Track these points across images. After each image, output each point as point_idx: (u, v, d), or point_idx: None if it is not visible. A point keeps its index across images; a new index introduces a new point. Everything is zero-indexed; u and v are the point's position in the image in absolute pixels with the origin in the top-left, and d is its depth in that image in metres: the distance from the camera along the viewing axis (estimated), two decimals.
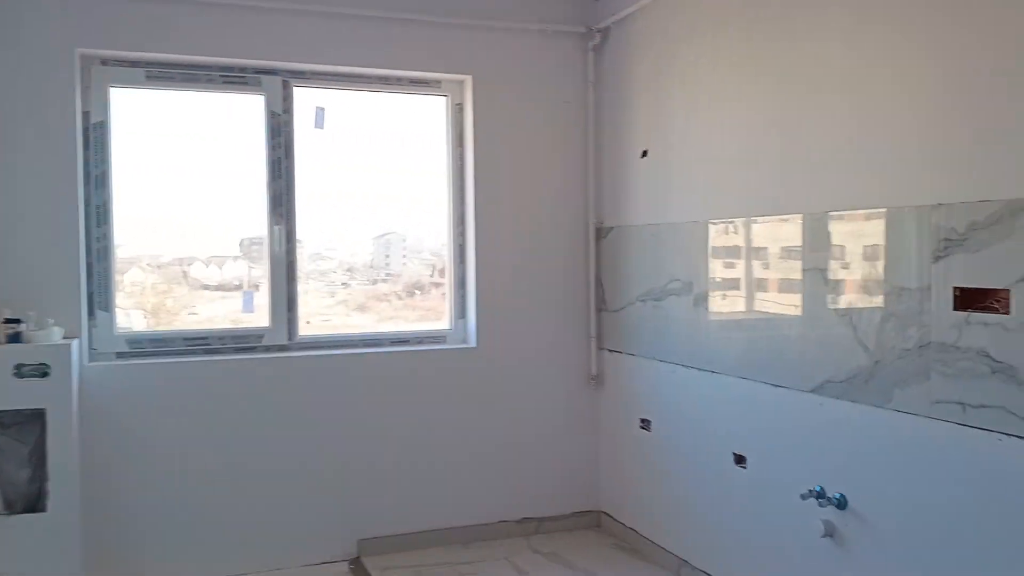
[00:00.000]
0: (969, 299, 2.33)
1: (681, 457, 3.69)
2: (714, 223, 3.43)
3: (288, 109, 3.93)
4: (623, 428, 4.14)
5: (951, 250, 2.39)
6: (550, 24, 4.20)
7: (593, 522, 4.35)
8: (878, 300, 2.64)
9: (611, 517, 4.25)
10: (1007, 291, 2.22)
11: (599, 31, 4.20)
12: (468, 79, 4.16)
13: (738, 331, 3.32)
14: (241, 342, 3.90)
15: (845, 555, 2.79)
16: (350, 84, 4.07)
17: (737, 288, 3.32)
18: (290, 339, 3.98)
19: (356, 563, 3.87)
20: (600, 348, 4.30)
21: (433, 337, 4.26)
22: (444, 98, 4.25)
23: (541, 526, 4.25)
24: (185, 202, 3.86)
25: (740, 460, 3.31)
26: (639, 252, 3.94)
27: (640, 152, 3.92)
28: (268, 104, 3.89)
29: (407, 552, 3.96)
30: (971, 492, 2.34)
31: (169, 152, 3.82)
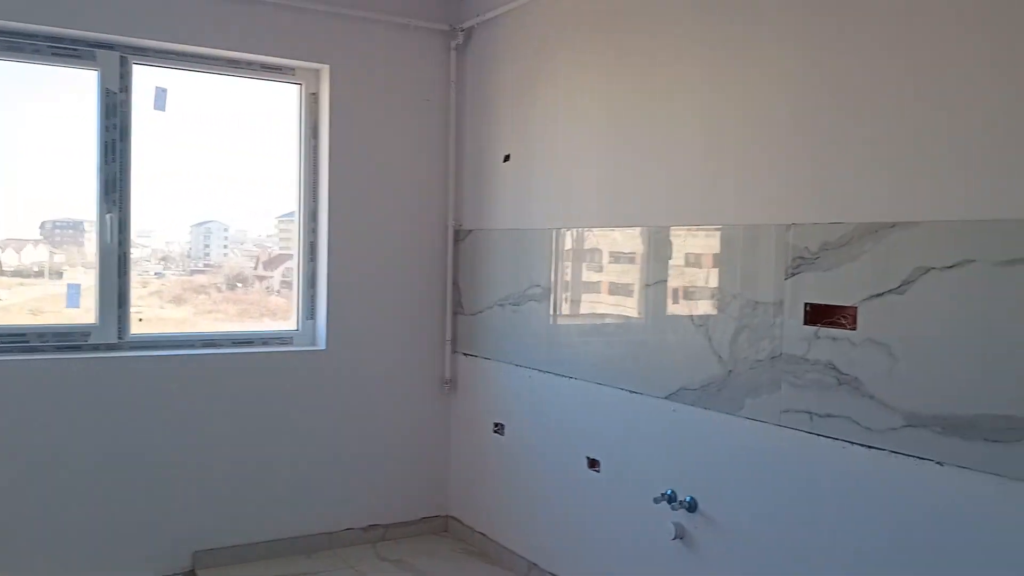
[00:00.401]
0: (819, 315, 2.47)
1: (534, 461, 3.71)
2: (576, 230, 3.46)
3: (126, 88, 3.62)
4: (476, 432, 4.11)
5: (803, 268, 2.52)
6: (412, 19, 4.10)
7: (441, 527, 4.29)
8: (734, 312, 2.74)
9: (459, 522, 4.21)
10: (854, 308, 2.37)
11: (462, 30, 4.15)
12: (325, 68, 3.99)
13: (596, 338, 3.37)
14: (65, 340, 3.56)
15: (694, 556, 2.89)
16: (196, 65, 3.80)
17: (597, 295, 3.37)
18: (120, 338, 3.67)
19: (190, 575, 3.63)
20: (455, 352, 4.26)
21: (279, 338, 4.07)
22: (298, 86, 4.06)
23: (388, 532, 4.15)
24: None
25: (593, 464, 3.36)
26: (500, 256, 3.93)
27: (503, 156, 3.91)
28: (103, 81, 3.57)
29: (246, 564, 3.76)
30: (816, 496, 2.48)
31: None
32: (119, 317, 3.66)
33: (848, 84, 2.40)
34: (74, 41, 3.51)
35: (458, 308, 4.23)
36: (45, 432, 3.41)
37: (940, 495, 2.16)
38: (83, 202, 3.62)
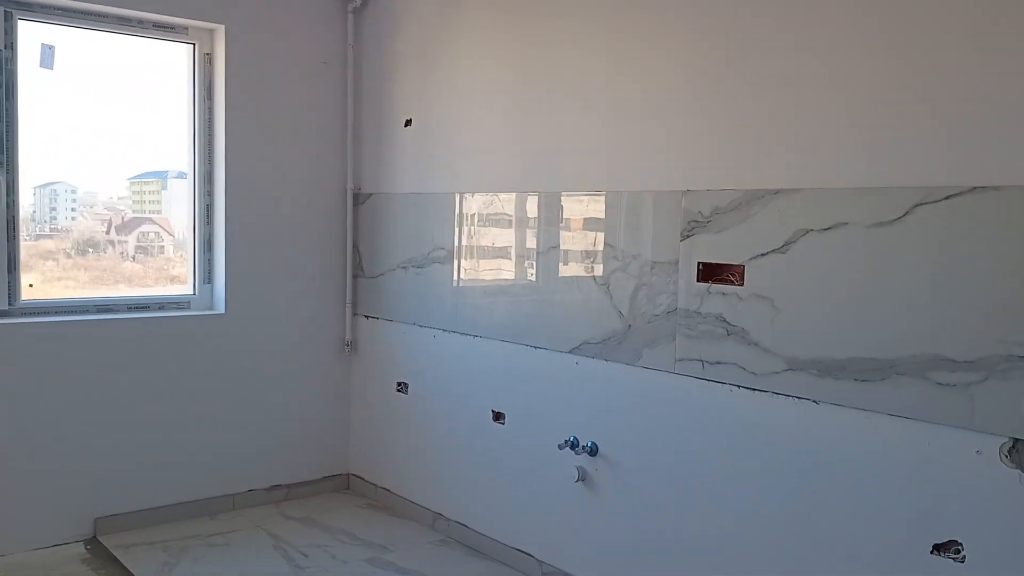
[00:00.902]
0: (710, 272, 2.73)
1: (439, 417, 3.86)
2: (481, 194, 3.61)
3: (11, 44, 3.47)
4: (378, 392, 4.23)
5: (697, 230, 2.77)
6: None
7: (343, 485, 4.40)
8: (634, 272, 2.98)
9: (361, 479, 4.33)
10: (742, 266, 2.64)
11: None
12: (220, 28, 3.94)
13: (501, 297, 3.54)
14: None
15: (596, 496, 3.14)
16: (84, 21, 3.68)
17: (501, 258, 3.54)
18: (11, 304, 3.55)
19: (93, 542, 3.60)
20: (356, 314, 4.34)
21: (175, 303, 4.03)
22: (191, 46, 4.00)
23: (291, 492, 4.22)
24: None
25: (499, 417, 3.55)
26: (401, 220, 4.02)
27: (404, 121, 3.99)
28: None
29: (150, 528, 3.75)
30: (706, 436, 2.76)
31: None
32: (9, 283, 3.54)
33: (742, 61, 2.65)
34: None
35: (358, 271, 4.31)
36: None
37: (817, 430, 2.47)
38: None
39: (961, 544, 2.19)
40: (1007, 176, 2.08)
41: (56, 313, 3.66)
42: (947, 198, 2.18)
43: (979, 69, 2.13)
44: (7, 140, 3.48)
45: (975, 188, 2.13)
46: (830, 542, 2.45)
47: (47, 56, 3.62)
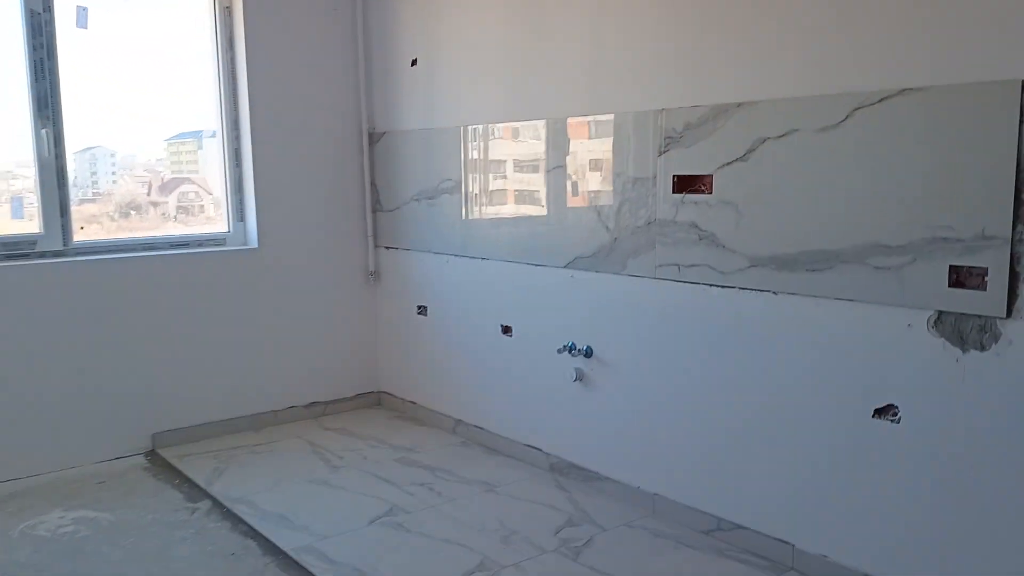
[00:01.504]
0: (684, 184, 3.01)
1: (455, 335, 4.23)
2: (482, 126, 3.90)
3: (49, 7, 3.81)
4: (401, 316, 4.60)
5: (672, 146, 3.05)
6: None
7: (375, 401, 4.81)
8: (618, 189, 3.27)
9: (391, 395, 4.73)
10: (711, 176, 2.92)
11: None
12: None
13: (504, 221, 3.85)
14: (13, 249, 3.83)
15: (592, 393, 3.49)
16: None
17: (504, 183, 3.84)
18: (65, 245, 3.96)
19: (152, 455, 4.05)
20: (377, 246, 4.69)
21: (213, 240, 4.41)
22: (211, 1, 4.30)
23: (327, 408, 4.64)
24: None
25: (507, 330, 3.90)
26: (412, 155, 4.34)
27: (410, 61, 4.28)
28: (27, 2, 3.75)
29: (201, 441, 4.19)
30: (685, 331, 3.08)
31: None
32: (62, 226, 3.94)
33: None
34: None
35: (377, 206, 4.65)
36: (3, 333, 3.72)
37: (776, 317, 2.77)
38: (17, 118, 3.83)
39: (897, 407, 2.49)
40: (930, 77, 2.33)
41: (106, 252, 4.06)
42: (880, 101, 2.44)
43: None
44: (51, 97, 3.84)
45: (904, 90, 2.38)
46: (789, 410, 2.77)
47: (82, 17, 3.96)
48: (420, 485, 3.59)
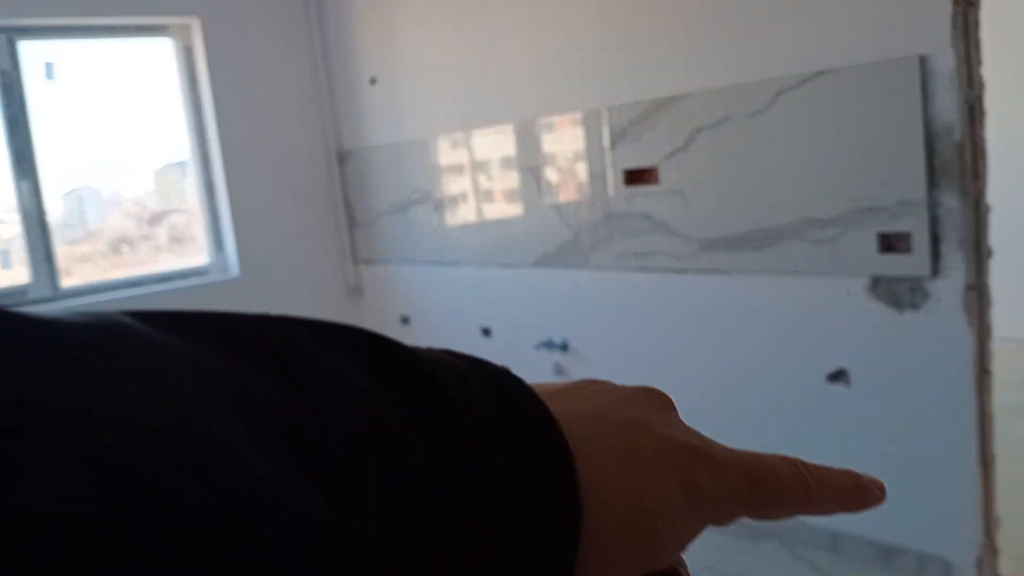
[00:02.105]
0: (634, 177, 3.15)
1: (437, 340, 4.36)
2: (442, 137, 4.04)
3: (16, 65, 3.96)
4: (386, 328, 4.73)
5: (620, 141, 3.19)
6: None
7: None
8: (575, 186, 3.41)
9: None
10: (657, 168, 3.06)
11: None
12: (195, 21, 4.38)
13: (474, 227, 3.99)
14: (6, 299, 3.98)
15: None
16: (77, 34, 4.14)
17: (468, 191, 3.98)
18: (54, 291, 4.10)
19: None
20: (356, 262, 4.84)
21: (195, 272, 4.55)
22: (173, 42, 4.44)
23: None
24: None
25: (487, 332, 4.04)
26: (381, 170, 4.48)
27: (369, 80, 4.42)
28: None
29: None
30: (647, 318, 3.22)
31: None
32: (50, 273, 4.08)
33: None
34: None
35: (352, 222, 4.79)
36: None
37: (731, 296, 2.91)
38: None
39: (847, 371, 2.63)
40: (843, 58, 2.47)
41: (93, 293, 4.20)
42: (801, 84, 2.58)
43: None
44: (27, 150, 3.99)
45: (820, 72, 2.52)
46: (749, 384, 2.91)
47: (49, 70, 4.10)
48: None
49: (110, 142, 4.33)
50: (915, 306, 2.44)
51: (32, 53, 4.02)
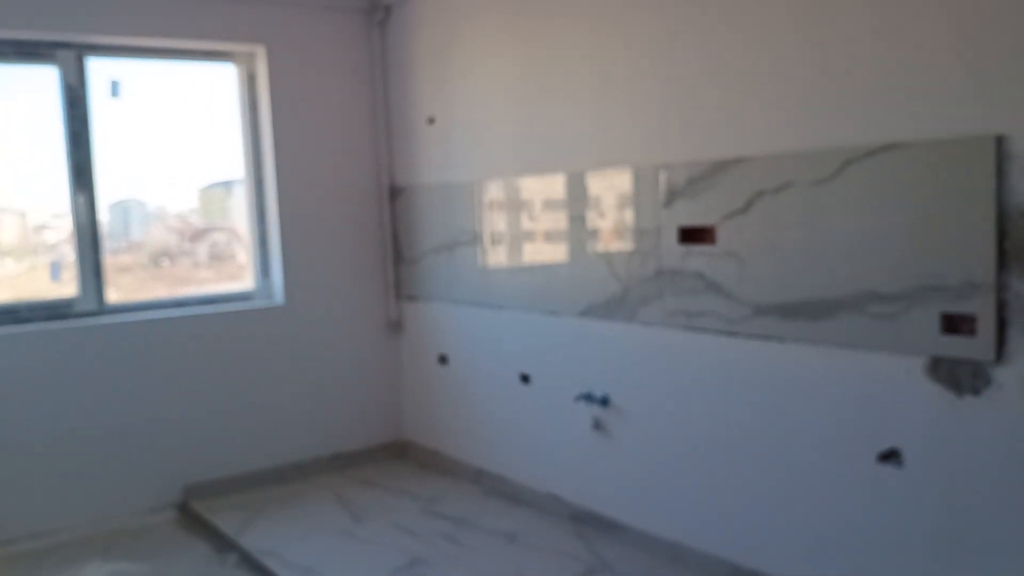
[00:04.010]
0: (689, 235, 3.11)
1: (476, 384, 4.33)
2: (494, 181, 4.04)
3: (84, 81, 4.04)
4: (423, 365, 4.71)
5: (676, 199, 3.15)
6: (337, 0, 4.58)
7: (399, 451, 4.91)
8: (627, 240, 3.37)
9: (415, 444, 4.83)
10: (714, 227, 3.01)
11: (383, 7, 4.64)
12: (261, 50, 4.45)
13: (519, 271, 3.97)
14: (52, 311, 4.02)
15: (609, 441, 3.56)
16: (144, 55, 4.23)
17: (518, 235, 3.97)
18: (100, 306, 4.14)
19: (184, 507, 4.17)
20: (399, 297, 4.83)
21: (240, 297, 4.57)
22: (237, 68, 4.52)
23: (353, 459, 4.74)
24: None
25: (525, 379, 3.99)
26: (431, 209, 4.49)
27: (427, 119, 4.44)
28: (64, 76, 3.98)
29: (231, 494, 4.31)
30: (696, 379, 3.15)
31: None
32: (97, 287, 4.12)
33: (702, 52, 3.02)
34: (36, 44, 3.91)
35: (399, 258, 4.80)
36: (43, 391, 3.89)
37: (782, 365, 2.84)
38: (55, 188, 4.04)
39: (900, 452, 2.54)
40: (915, 133, 2.42)
41: (138, 311, 4.23)
42: (869, 155, 2.53)
43: (887, 46, 2.47)
44: (86, 165, 4.06)
45: (890, 145, 2.47)
46: (796, 455, 2.82)
47: (115, 88, 4.18)
48: (442, 536, 3.67)
49: (164, 158, 4.39)
50: (976, 391, 2.35)
51: (100, 70, 4.11)
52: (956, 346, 2.37)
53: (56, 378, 3.92)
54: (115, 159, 4.17)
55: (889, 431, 2.56)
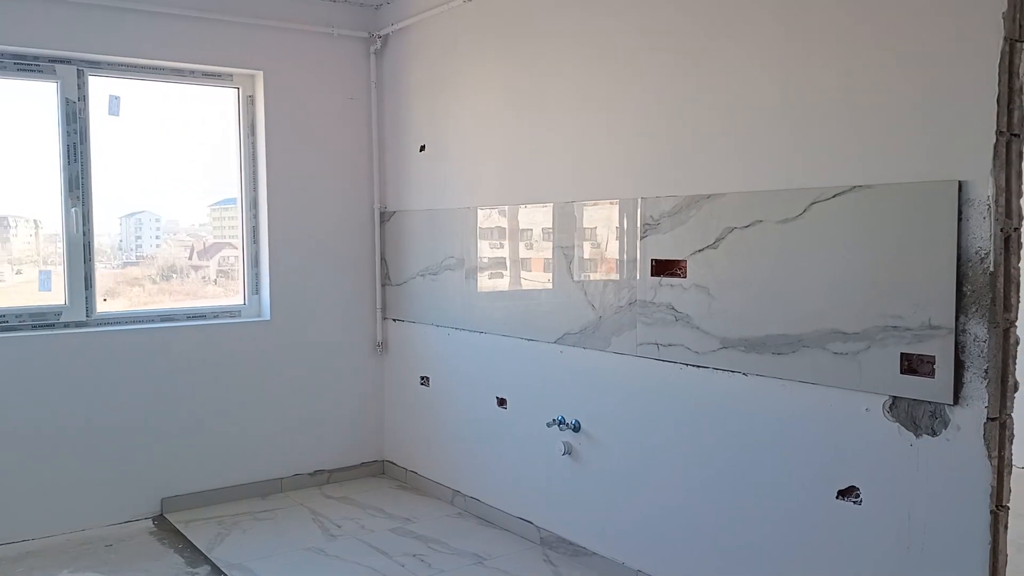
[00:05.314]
0: (661, 267, 3.16)
1: (454, 406, 4.36)
2: (481, 209, 4.10)
3: (83, 97, 4.13)
4: (405, 386, 4.75)
5: (650, 232, 3.20)
6: (336, 28, 4.67)
7: (378, 470, 4.93)
8: (603, 270, 3.42)
9: (394, 464, 4.85)
10: (684, 261, 3.06)
11: (380, 37, 4.74)
12: (259, 74, 4.54)
13: (500, 298, 4.02)
14: (39, 319, 4.07)
15: (579, 467, 3.58)
16: (144, 74, 4.32)
17: (500, 262, 4.02)
18: (88, 316, 4.19)
19: (160, 519, 4.20)
20: (385, 318, 4.88)
21: (228, 312, 4.62)
22: (236, 90, 4.60)
23: (332, 476, 4.77)
24: None
25: (502, 403, 4.02)
26: (419, 233, 4.55)
27: (419, 146, 4.52)
28: (63, 91, 4.07)
29: (208, 507, 4.33)
30: (663, 409, 3.18)
31: None
32: (86, 298, 4.18)
33: (681, 91, 3.09)
34: (36, 58, 4.00)
35: (386, 280, 4.85)
36: (24, 398, 3.93)
37: (746, 398, 2.88)
38: (49, 199, 4.11)
39: (859, 489, 2.57)
40: (879, 176, 2.47)
41: (126, 322, 4.29)
42: (834, 196, 2.58)
43: (853, 90, 2.53)
44: (83, 178, 4.13)
45: (855, 187, 2.53)
46: (756, 486, 2.85)
47: (114, 105, 4.27)
48: (412, 556, 3.68)
49: (171, 173, 4.46)
50: (933, 432, 2.38)
51: (100, 87, 4.19)
52: (915, 387, 2.41)
53: (39, 386, 3.97)
54: (118, 170, 4.23)
55: (848, 468, 2.59)
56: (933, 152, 2.35)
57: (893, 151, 2.44)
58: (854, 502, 2.58)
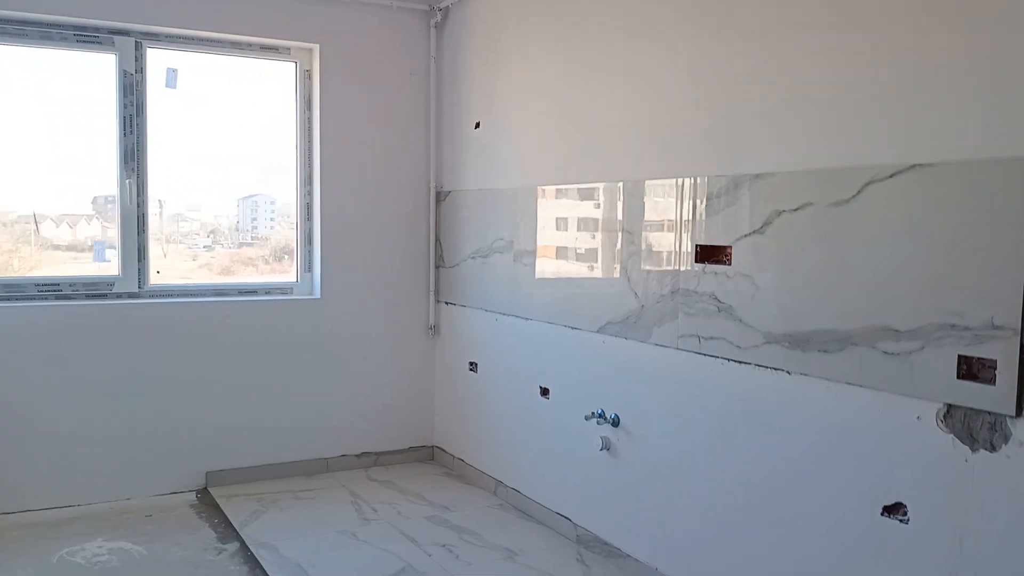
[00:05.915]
0: (705, 254, 2.91)
1: (500, 394, 4.21)
2: (528, 190, 3.92)
3: (141, 69, 4.15)
4: (455, 371, 4.63)
5: (698, 214, 2.96)
6: (395, 0, 4.56)
7: (427, 456, 4.83)
8: (646, 256, 3.20)
9: (443, 451, 4.75)
10: (730, 247, 2.81)
11: (440, 10, 4.60)
12: (316, 47, 4.48)
13: (546, 284, 3.84)
14: (92, 289, 4.13)
15: (617, 463, 3.38)
16: (202, 47, 4.31)
17: (547, 247, 3.83)
18: (140, 287, 4.23)
19: (203, 492, 4.21)
20: (438, 301, 4.76)
21: (280, 288, 4.60)
22: (293, 64, 4.56)
23: (379, 459, 4.70)
24: (34, 159, 4.04)
25: (545, 392, 3.85)
26: (471, 214, 4.41)
27: (473, 124, 4.37)
28: (121, 63, 4.10)
29: (252, 483, 4.32)
30: (704, 407, 2.94)
31: (16, 108, 3.98)
32: (139, 270, 4.22)
33: (729, 68, 2.83)
34: (96, 29, 4.04)
35: (440, 262, 4.73)
36: (75, 367, 3.99)
37: (788, 399, 2.61)
38: (104, 169, 4.16)
39: (906, 506, 2.28)
40: (940, 153, 2.18)
41: (178, 295, 4.31)
42: (892, 176, 2.29)
43: (912, 61, 2.23)
44: (138, 150, 4.16)
45: (914, 166, 2.23)
46: (794, 494, 2.59)
47: (171, 78, 4.28)
48: (442, 546, 3.56)
49: (224, 149, 4.49)
50: (992, 446, 2.08)
51: (158, 61, 4.21)
52: (973, 394, 2.11)
53: (90, 354, 4.02)
54: (170, 148, 4.26)
55: (895, 482, 2.31)
56: (1002, 126, 2.04)
57: (958, 125, 2.14)
58: (900, 520, 2.30)
